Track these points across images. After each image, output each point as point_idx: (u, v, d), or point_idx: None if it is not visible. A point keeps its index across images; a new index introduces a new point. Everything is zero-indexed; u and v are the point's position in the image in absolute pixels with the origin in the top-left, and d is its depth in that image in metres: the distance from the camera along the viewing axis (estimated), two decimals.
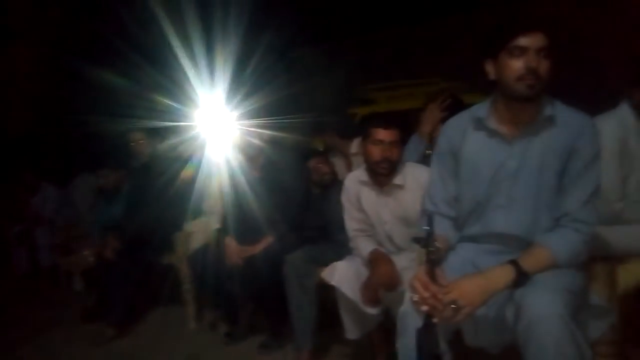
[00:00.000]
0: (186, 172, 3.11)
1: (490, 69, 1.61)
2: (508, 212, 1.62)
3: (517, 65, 1.51)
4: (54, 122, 5.76)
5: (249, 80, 3.34)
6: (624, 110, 2.07)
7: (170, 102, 3.48)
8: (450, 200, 1.75)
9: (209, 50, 3.60)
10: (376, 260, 2.11)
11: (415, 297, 1.46)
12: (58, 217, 4.70)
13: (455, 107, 2.41)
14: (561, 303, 1.31)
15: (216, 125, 3.01)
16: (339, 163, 3.24)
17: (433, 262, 1.45)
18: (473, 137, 1.68)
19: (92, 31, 4.68)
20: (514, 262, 1.46)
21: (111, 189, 3.71)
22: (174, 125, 3.33)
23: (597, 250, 1.73)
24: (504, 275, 1.45)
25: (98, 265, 3.32)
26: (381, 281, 2.04)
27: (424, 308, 1.42)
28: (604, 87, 2.75)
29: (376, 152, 2.15)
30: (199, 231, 3.16)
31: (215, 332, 3.05)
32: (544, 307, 1.30)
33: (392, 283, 2.03)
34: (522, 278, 1.43)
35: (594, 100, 2.05)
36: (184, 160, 3.24)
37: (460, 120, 1.75)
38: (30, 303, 4.08)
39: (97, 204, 4.01)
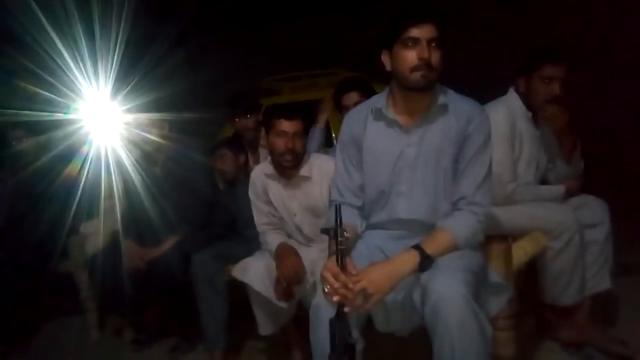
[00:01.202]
0: (77, 171, 2.86)
1: (386, 60, 1.66)
2: (409, 198, 1.68)
3: (410, 56, 1.57)
4: None
5: (145, 71, 3.13)
6: (512, 97, 2.21)
7: (55, 95, 3.16)
8: (356, 190, 1.78)
9: (97, 37, 3.32)
10: (281, 254, 2.09)
11: (326, 288, 1.46)
12: None
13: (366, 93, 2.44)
14: (463, 283, 1.36)
15: (110, 120, 2.80)
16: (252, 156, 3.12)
17: (342, 251, 1.46)
18: (373, 127, 1.73)
19: None
20: (417, 247, 1.51)
21: None
22: (60, 120, 3.04)
23: (493, 230, 1.84)
24: (409, 260, 1.50)
25: None
26: (286, 275, 2.02)
27: (335, 298, 1.43)
28: (493, 76, 2.93)
29: (280, 143, 2.12)
30: (95, 234, 2.93)
31: (121, 340, 2.88)
32: (447, 288, 1.35)
33: (297, 276, 2.02)
34: (426, 261, 1.49)
35: (484, 87, 2.17)
36: (73, 158, 2.98)
37: (361, 111, 1.80)
38: None
39: None
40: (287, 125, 2.12)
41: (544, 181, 2.29)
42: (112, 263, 2.63)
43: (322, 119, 2.90)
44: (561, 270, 2.04)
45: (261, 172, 2.29)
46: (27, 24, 3.44)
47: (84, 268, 2.86)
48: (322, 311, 1.50)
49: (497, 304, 1.64)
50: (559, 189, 2.19)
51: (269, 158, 2.26)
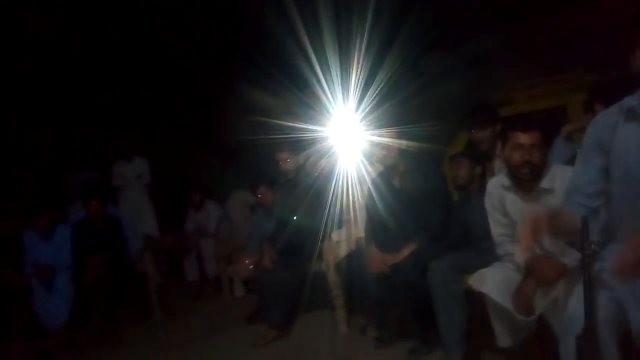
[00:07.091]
0: (327, 184, 3.27)
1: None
2: None
3: None
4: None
5: (382, 88, 3.41)
6: None
7: (306, 116, 3.64)
8: (595, 197, 1.65)
9: (342, 64, 3.73)
10: (538, 259, 2.04)
11: None
12: (220, 231, 5.24)
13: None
14: None
15: (352, 136, 3.13)
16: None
17: (589, 266, 1.39)
18: (625, 130, 1.56)
19: (234, 47, 4.99)
20: None
21: (267, 204, 4.00)
22: (311, 138, 3.50)
23: None
24: None
25: (257, 273, 3.63)
26: (547, 279, 1.98)
27: None
28: None
29: (516, 156, 2.10)
30: (344, 240, 3.32)
31: (365, 336, 3.15)
32: None
33: (561, 276, 1.96)
34: None
35: None
36: (324, 173, 3.42)
37: (609, 115, 1.63)
38: (199, 308, 4.65)
39: (254, 218, 4.40)
40: (523, 138, 2.09)
41: None
42: (358, 266, 2.96)
43: (567, 129, 2.72)
44: None
45: (498, 184, 2.30)
46: (288, 52, 4.06)
47: (335, 269, 3.26)
48: (572, 326, 1.45)
49: None
50: None
51: (506, 170, 2.26)
